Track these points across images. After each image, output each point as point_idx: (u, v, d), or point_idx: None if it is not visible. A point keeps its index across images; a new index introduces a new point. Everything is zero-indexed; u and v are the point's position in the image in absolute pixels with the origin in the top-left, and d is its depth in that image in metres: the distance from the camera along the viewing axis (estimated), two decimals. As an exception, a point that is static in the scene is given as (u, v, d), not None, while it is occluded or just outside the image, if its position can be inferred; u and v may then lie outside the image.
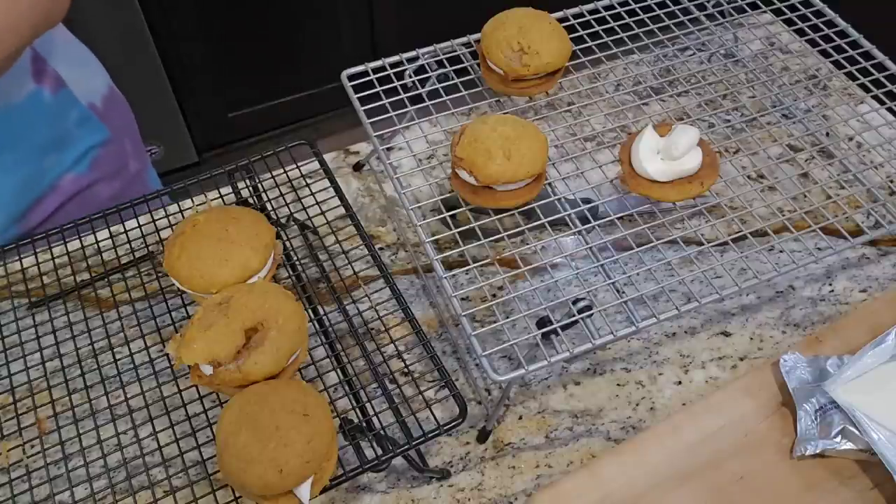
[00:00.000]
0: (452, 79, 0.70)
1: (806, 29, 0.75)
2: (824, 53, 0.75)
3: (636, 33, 0.74)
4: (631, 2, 0.76)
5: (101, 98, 0.81)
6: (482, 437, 0.61)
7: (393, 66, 0.70)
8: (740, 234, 0.61)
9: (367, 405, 0.55)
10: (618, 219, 0.61)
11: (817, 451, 0.56)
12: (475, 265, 0.59)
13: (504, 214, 0.61)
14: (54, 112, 0.75)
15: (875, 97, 0.76)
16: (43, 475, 0.55)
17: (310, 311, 0.61)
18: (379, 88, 0.68)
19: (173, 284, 0.59)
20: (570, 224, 0.62)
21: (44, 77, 0.74)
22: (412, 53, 0.70)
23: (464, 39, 0.72)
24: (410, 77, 0.69)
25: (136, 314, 0.62)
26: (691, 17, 0.77)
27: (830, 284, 0.71)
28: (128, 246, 0.65)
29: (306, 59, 1.82)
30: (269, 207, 0.66)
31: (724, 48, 0.77)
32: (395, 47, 0.72)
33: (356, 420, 0.54)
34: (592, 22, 0.74)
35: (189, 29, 1.64)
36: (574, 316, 0.55)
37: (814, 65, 0.85)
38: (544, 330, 0.55)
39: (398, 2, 1.79)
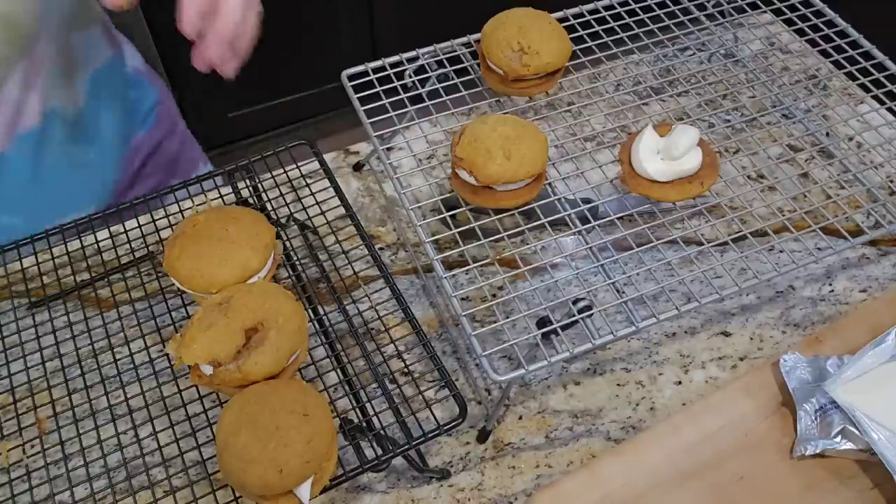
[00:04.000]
0: (452, 79, 0.70)
1: (806, 29, 0.75)
2: (824, 53, 0.75)
3: (636, 33, 0.74)
4: (631, 2, 0.76)
5: (141, 63, 0.84)
6: (482, 437, 0.61)
7: (393, 66, 0.70)
8: (740, 234, 0.61)
9: (367, 405, 0.55)
10: (618, 219, 0.61)
11: (817, 451, 0.56)
12: (475, 265, 0.59)
13: (504, 214, 0.61)
14: (125, 73, 0.79)
15: (875, 97, 0.76)
16: (43, 475, 0.55)
17: (310, 311, 0.61)
18: (379, 88, 0.68)
19: (173, 284, 0.59)
20: (570, 224, 0.62)
21: (113, 42, 0.78)
22: (412, 53, 0.70)
23: (464, 39, 0.72)
24: (410, 77, 0.69)
25: (136, 314, 0.62)
26: (691, 17, 0.77)
27: (830, 284, 0.71)
28: (128, 246, 0.64)
29: (306, 59, 1.81)
30: (269, 207, 0.66)
31: (724, 48, 0.77)
32: (395, 47, 0.72)
33: (356, 420, 0.54)
34: (592, 22, 0.74)
35: (189, 29, 1.64)
36: (574, 316, 0.55)
37: (814, 65, 0.85)
38: (544, 330, 0.55)
39: (398, 2, 1.79)
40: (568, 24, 0.72)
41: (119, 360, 0.58)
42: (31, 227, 0.63)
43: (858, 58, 0.72)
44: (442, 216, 0.61)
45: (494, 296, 0.70)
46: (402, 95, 0.68)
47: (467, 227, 0.60)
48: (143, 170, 0.82)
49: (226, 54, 0.53)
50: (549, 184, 0.65)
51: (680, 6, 0.77)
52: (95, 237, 0.65)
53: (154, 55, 1.60)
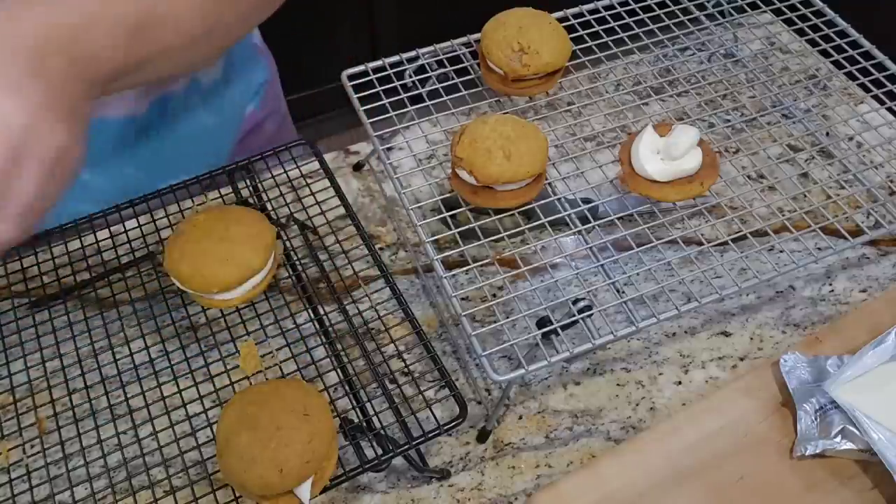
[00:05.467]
0: (452, 79, 0.70)
1: (806, 29, 0.75)
2: (824, 53, 0.75)
3: (636, 33, 0.74)
4: (631, 2, 0.76)
5: (259, 37, 0.84)
6: (482, 437, 0.61)
7: (393, 66, 0.70)
8: (740, 234, 0.61)
9: (367, 405, 0.55)
10: (618, 219, 0.61)
11: (817, 451, 0.56)
12: (475, 265, 0.59)
13: (504, 214, 0.61)
14: (249, 44, 0.80)
15: (875, 97, 0.76)
16: (43, 475, 0.55)
17: (310, 311, 0.61)
18: (379, 88, 0.68)
19: (173, 284, 0.59)
20: (570, 224, 0.62)
21: None
22: (412, 53, 0.70)
23: (464, 39, 0.72)
24: (410, 77, 0.69)
25: (136, 314, 0.62)
26: (691, 17, 0.77)
27: (830, 284, 0.71)
28: (128, 246, 0.64)
29: (306, 59, 1.81)
30: (270, 207, 0.66)
31: (724, 48, 0.77)
32: (395, 47, 0.72)
33: (356, 420, 0.54)
34: (592, 22, 0.74)
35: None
36: (574, 316, 0.55)
37: (814, 65, 0.85)
38: (544, 330, 0.55)
39: (398, 2, 1.79)
40: (568, 24, 0.72)
41: (119, 360, 0.58)
42: (150, 183, 0.66)
43: (858, 58, 0.72)
44: (442, 216, 0.61)
45: (494, 296, 0.70)
46: (402, 95, 0.68)
47: (467, 227, 0.60)
48: (240, 144, 0.83)
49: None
50: (549, 184, 0.65)
51: (680, 6, 0.77)
52: (95, 237, 0.65)
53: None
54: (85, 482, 0.53)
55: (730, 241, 0.60)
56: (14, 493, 0.53)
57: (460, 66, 0.71)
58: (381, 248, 0.74)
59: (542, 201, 0.62)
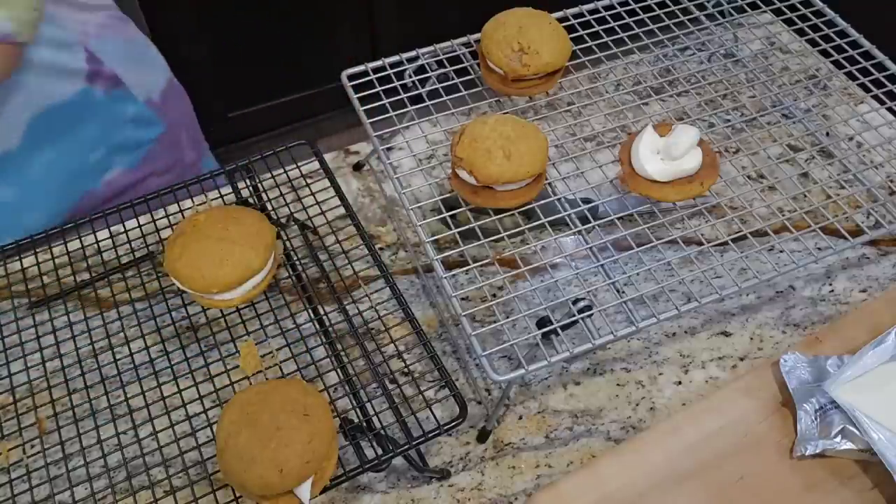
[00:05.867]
0: (452, 79, 0.70)
1: (806, 29, 0.75)
2: (824, 53, 0.75)
3: (636, 33, 0.74)
4: (631, 2, 0.76)
5: (159, 92, 0.83)
6: (482, 437, 0.61)
7: (393, 66, 0.70)
8: (740, 234, 0.61)
9: (367, 405, 0.55)
10: (618, 219, 0.61)
11: (817, 451, 0.56)
12: (475, 265, 0.59)
13: (504, 214, 0.61)
14: (105, 110, 0.78)
15: (875, 97, 0.76)
16: (43, 475, 0.55)
17: (310, 311, 0.61)
18: (379, 88, 0.68)
19: (173, 284, 0.59)
20: (570, 224, 0.62)
21: (97, 78, 0.76)
22: (412, 53, 0.70)
23: (464, 39, 0.72)
24: (410, 77, 0.69)
25: (136, 314, 0.62)
26: (691, 17, 0.77)
27: (830, 284, 0.71)
28: (128, 246, 0.64)
29: (306, 58, 1.81)
30: (270, 207, 0.66)
31: (724, 48, 0.77)
32: (395, 47, 0.72)
33: (356, 420, 0.54)
34: (592, 22, 0.74)
35: (189, 28, 1.64)
36: (574, 316, 0.55)
37: (814, 65, 0.85)
38: (544, 330, 0.55)
39: (398, 2, 1.79)
40: (568, 24, 0.72)
41: (119, 360, 0.58)
42: None
43: (858, 58, 0.72)
44: (442, 216, 0.61)
45: (494, 296, 0.70)
46: (402, 95, 0.68)
47: (467, 227, 0.60)
48: (109, 203, 0.81)
49: None
50: (549, 184, 0.65)
51: (680, 6, 0.77)
52: (95, 237, 0.65)
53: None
54: (85, 482, 0.53)
55: (730, 241, 0.60)
56: (14, 493, 0.53)
57: (460, 66, 0.71)
58: (381, 248, 0.74)
59: (542, 201, 0.62)
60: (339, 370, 0.57)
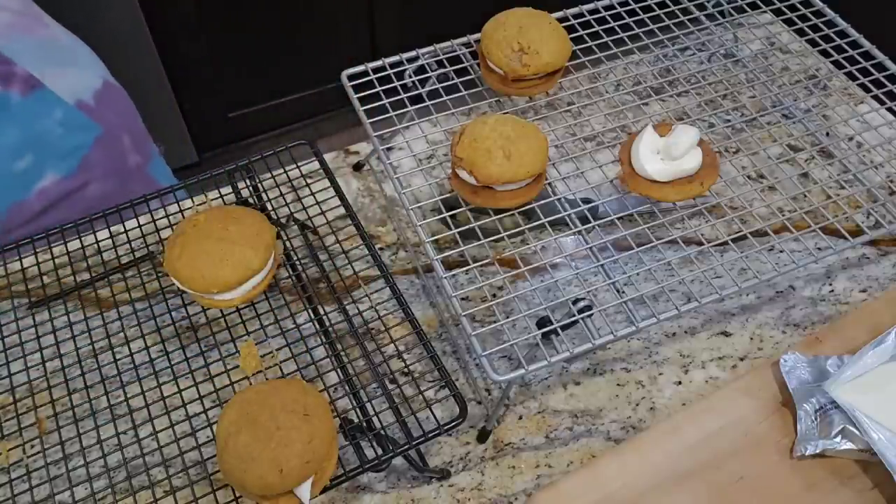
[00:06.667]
0: (452, 79, 0.70)
1: (806, 29, 0.75)
2: (824, 53, 0.75)
3: (636, 33, 0.74)
4: (631, 2, 0.76)
5: (93, 93, 0.78)
6: (482, 437, 0.61)
7: (393, 66, 0.70)
8: (740, 234, 0.61)
9: (368, 405, 0.55)
10: (618, 219, 0.61)
11: (817, 451, 0.56)
12: (475, 265, 0.59)
13: (504, 214, 0.61)
14: (26, 114, 0.73)
15: (875, 97, 0.76)
16: (43, 475, 0.55)
17: (310, 311, 0.61)
18: (379, 88, 0.68)
19: (173, 284, 0.59)
20: (570, 224, 0.62)
21: (11, 80, 0.72)
22: (412, 53, 0.70)
23: (464, 39, 0.72)
24: (410, 77, 0.69)
25: (136, 314, 0.62)
26: (691, 17, 0.77)
27: (830, 284, 0.71)
28: (128, 246, 0.64)
29: (306, 58, 1.81)
30: (270, 207, 0.66)
31: (724, 48, 0.77)
32: (395, 47, 0.72)
33: (356, 420, 0.54)
34: (592, 22, 0.74)
35: (189, 28, 1.64)
36: (574, 316, 0.55)
37: (814, 65, 0.85)
38: (544, 330, 0.55)
39: (398, 2, 1.79)
40: (568, 24, 0.72)
41: (119, 360, 0.58)
42: None
43: (858, 58, 0.72)
44: (442, 216, 0.61)
45: (494, 296, 0.70)
46: (402, 95, 0.68)
47: (467, 227, 0.60)
48: (43, 215, 0.76)
49: None
50: (549, 184, 0.65)
51: (680, 6, 0.77)
52: (95, 237, 0.65)
53: (154, 54, 1.60)
54: (85, 482, 0.53)
55: (730, 241, 0.60)
56: (14, 493, 0.53)
57: (460, 66, 0.71)
58: (381, 248, 0.74)
59: (542, 201, 0.62)
60: (339, 370, 0.57)
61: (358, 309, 0.61)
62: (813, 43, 0.76)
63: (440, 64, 0.70)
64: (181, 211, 0.66)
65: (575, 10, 0.74)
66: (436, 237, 0.62)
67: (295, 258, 0.64)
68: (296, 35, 1.75)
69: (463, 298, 0.70)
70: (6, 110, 0.72)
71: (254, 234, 0.57)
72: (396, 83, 0.69)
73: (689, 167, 0.60)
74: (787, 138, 0.79)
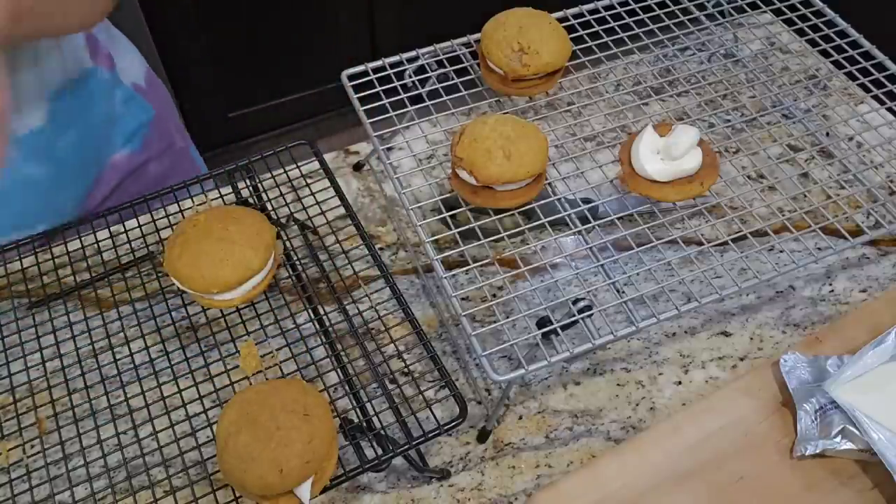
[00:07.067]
0: (452, 79, 0.70)
1: (806, 29, 0.75)
2: (824, 53, 0.75)
3: (636, 33, 0.74)
4: (631, 2, 0.76)
5: (143, 78, 0.82)
6: (482, 437, 0.61)
7: (393, 66, 0.70)
8: (740, 234, 0.61)
9: (368, 405, 0.55)
10: (618, 219, 0.61)
11: (817, 451, 0.56)
12: (475, 265, 0.59)
13: (504, 214, 0.61)
14: (108, 90, 0.76)
15: (875, 97, 0.76)
16: (43, 475, 0.55)
17: (310, 311, 0.61)
18: (379, 88, 0.68)
19: (173, 284, 0.59)
20: (570, 224, 0.62)
21: (98, 56, 0.75)
22: (412, 53, 0.70)
23: (464, 39, 0.72)
24: (410, 77, 0.69)
25: (136, 314, 0.62)
26: (691, 17, 0.77)
27: (830, 284, 0.71)
28: (128, 246, 0.65)
29: (306, 58, 1.82)
30: (270, 207, 0.66)
31: (724, 48, 0.77)
32: (395, 47, 0.72)
33: (356, 420, 0.54)
34: (592, 22, 0.74)
35: (189, 28, 1.64)
36: (574, 316, 0.55)
37: (814, 65, 0.85)
38: (544, 330, 0.55)
39: (398, 2, 1.79)
40: (568, 24, 0.72)
41: (119, 360, 0.58)
42: None
43: (858, 58, 0.72)
44: (442, 216, 0.61)
45: (494, 296, 0.70)
46: (402, 95, 0.68)
47: (467, 227, 0.60)
48: (119, 189, 0.80)
49: None
50: (549, 184, 0.65)
51: (680, 6, 0.77)
52: (95, 237, 0.65)
53: (154, 54, 1.60)
54: (85, 482, 0.53)
55: (730, 241, 0.60)
56: (14, 493, 0.53)
57: (460, 66, 0.71)
58: (381, 248, 0.74)
59: (542, 201, 0.62)
60: (339, 370, 0.57)
61: (358, 309, 0.61)
62: (813, 43, 0.76)
63: (440, 64, 0.70)
64: (181, 211, 0.66)
65: (575, 10, 0.74)
66: (436, 237, 0.62)
67: (295, 258, 0.64)
68: (296, 35, 1.76)
69: (463, 298, 0.70)
70: (97, 85, 0.75)
71: (254, 234, 0.57)
72: (396, 83, 0.69)
73: (689, 167, 0.60)
74: (787, 138, 0.79)
